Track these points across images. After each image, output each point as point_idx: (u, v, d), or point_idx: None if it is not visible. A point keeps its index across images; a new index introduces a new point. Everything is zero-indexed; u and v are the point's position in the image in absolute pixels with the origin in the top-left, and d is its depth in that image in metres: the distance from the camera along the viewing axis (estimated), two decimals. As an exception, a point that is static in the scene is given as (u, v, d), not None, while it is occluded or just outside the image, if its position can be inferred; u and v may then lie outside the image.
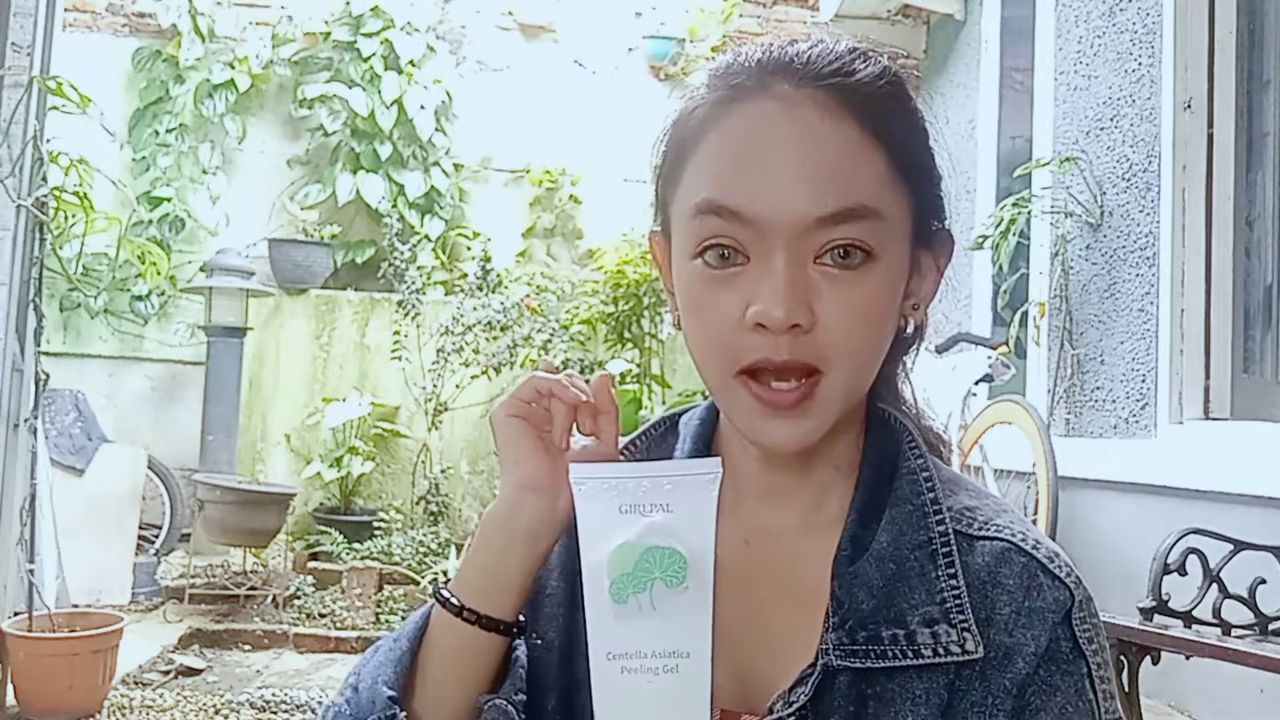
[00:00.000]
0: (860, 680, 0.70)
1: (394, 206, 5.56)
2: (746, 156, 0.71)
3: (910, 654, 0.70)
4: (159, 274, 3.75)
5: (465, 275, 5.21)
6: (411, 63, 5.68)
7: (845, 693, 0.70)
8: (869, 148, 0.71)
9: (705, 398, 0.83)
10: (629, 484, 0.64)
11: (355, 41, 5.68)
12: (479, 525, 0.76)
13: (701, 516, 0.64)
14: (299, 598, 4.28)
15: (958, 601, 0.71)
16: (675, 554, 0.62)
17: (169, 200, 5.47)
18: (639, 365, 5.05)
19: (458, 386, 4.98)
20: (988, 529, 0.74)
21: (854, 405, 0.77)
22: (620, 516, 0.63)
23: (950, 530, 0.74)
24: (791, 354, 0.69)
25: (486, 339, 4.90)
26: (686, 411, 0.86)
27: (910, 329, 0.79)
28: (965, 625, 0.70)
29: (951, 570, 0.72)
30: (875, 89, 0.73)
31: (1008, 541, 0.73)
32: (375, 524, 4.78)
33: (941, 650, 0.70)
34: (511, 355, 4.83)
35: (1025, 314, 4.02)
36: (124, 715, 3.14)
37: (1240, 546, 2.31)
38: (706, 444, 0.82)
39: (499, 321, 4.85)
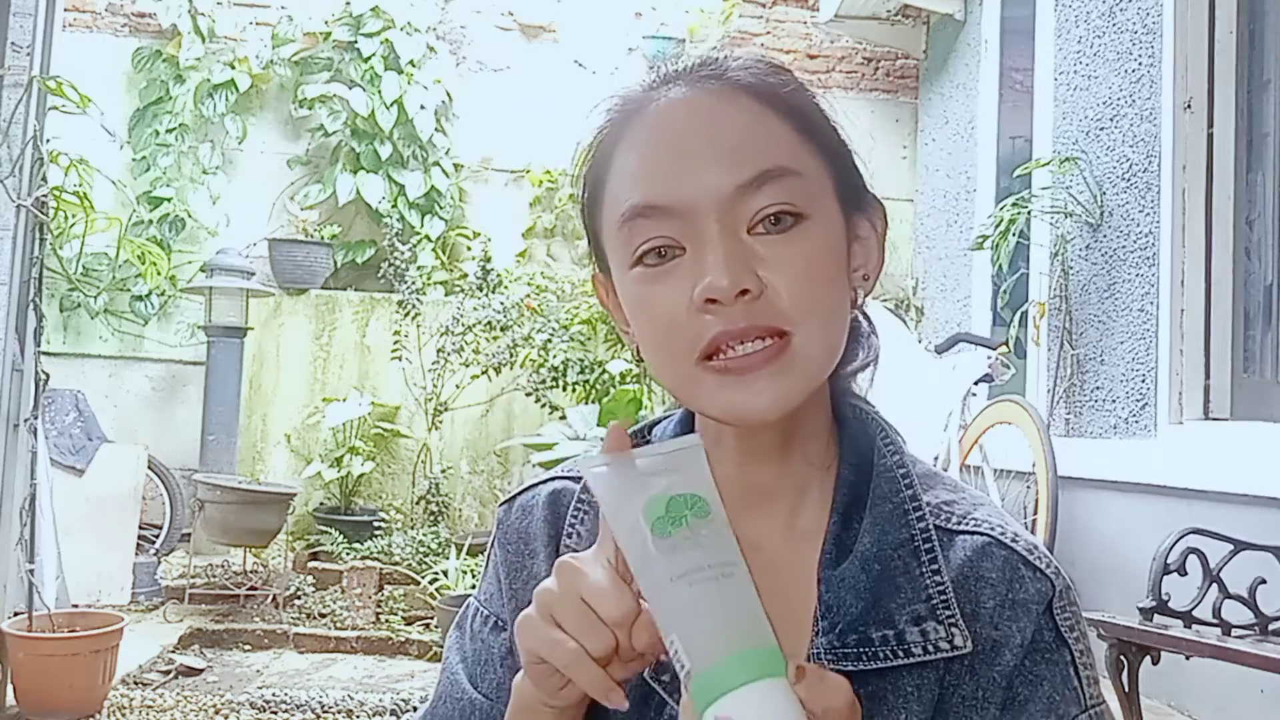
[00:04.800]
0: (853, 682, 0.70)
1: (394, 207, 5.57)
2: (656, 153, 0.72)
3: (901, 653, 0.71)
4: (159, 274, 3.75)
5: (465, 275, 5.21)
6: (412, 63, 5.68)
7: None
8: (769, 116, 0.73)
9: None
10: (634, 460, 0.68)
11: (355, 42, 5.69)
12: (514, 694, 0.71)
13: (702, 472, 0.68)
14: (299, 598, 4.28)
15: (943, 598, 0.72)
16: (695, 496, 0.66)
17: (169, 200, 5.47)
18: (639, 365, 5.05)
19: (458, 386, 4.99)
20: (966, 523, 0.75)
21: (821, 389, 0.77)
22: (637, 481, 0.67)
23: (931, 526, 0.75)
24: (749, 319, 0.68)
25: (486, 339, 4.90)
26: (659, 422, 0.85)
27: (861, 299, 0.78)
28: (953, 621, 0.71)
29: (935, 566, 0.73)
30: (758, 69, 0.75)
31: (987, 535, 0.74)
32: (375, 524, 4.78)
33: (931, 648, 0.70)
34: (511, 355, 4.83)
35: (1025, 314, 4.02)
36: (124, 715, 3.14)
37: (1240, 546, 2.31)
38: None
39: (499, 321, 4.85)
